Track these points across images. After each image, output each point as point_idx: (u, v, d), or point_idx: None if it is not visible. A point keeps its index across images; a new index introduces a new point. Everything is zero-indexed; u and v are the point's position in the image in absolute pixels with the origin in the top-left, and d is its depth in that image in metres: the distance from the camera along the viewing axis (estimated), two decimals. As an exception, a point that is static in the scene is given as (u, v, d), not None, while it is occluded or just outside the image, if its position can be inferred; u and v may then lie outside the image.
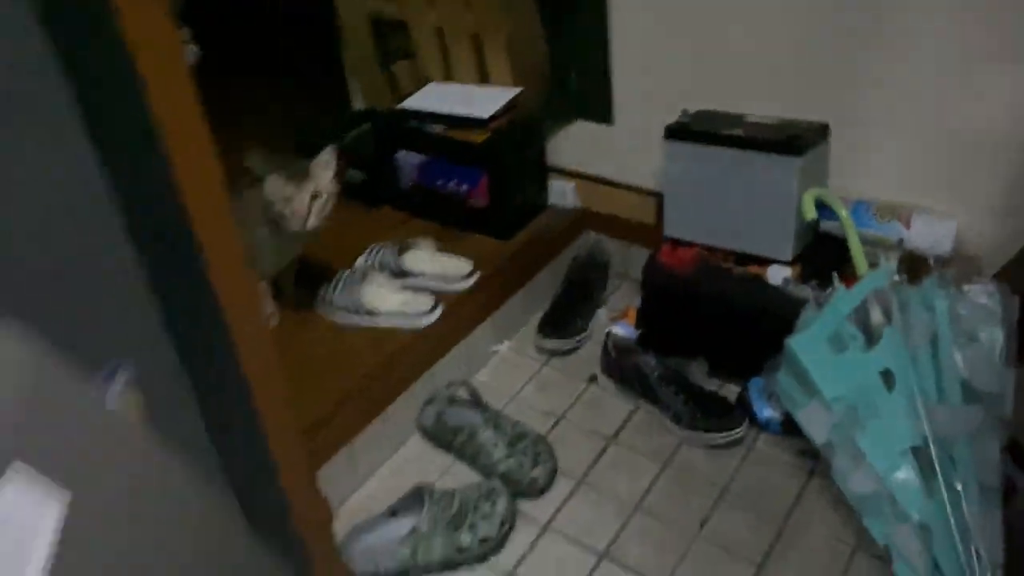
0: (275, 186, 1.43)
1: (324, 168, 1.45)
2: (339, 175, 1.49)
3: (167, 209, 0.75)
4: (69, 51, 0.67)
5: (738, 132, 1.48)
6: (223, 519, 0.59)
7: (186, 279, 0.80)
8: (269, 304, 1.59)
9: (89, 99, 0.68)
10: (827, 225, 1.50)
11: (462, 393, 1.56)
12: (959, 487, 1.19)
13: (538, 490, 1.43)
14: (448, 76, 1.87)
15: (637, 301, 1.70)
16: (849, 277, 1.39)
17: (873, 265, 1.40)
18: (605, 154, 1.84)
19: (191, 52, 2.81)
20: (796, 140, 1.43)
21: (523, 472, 1.43)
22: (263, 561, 0.61)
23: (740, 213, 1.52)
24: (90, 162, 0.69)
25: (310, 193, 1.44)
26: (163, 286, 0.78)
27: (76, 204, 0.69)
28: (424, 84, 1.88)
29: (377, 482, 1.49)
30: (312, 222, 1.45)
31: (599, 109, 1.78)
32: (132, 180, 0.73)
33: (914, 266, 1.40)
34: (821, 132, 1.48)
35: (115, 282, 0.74)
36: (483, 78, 1.82)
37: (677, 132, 1.54)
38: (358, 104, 2.16)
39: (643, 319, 1.68)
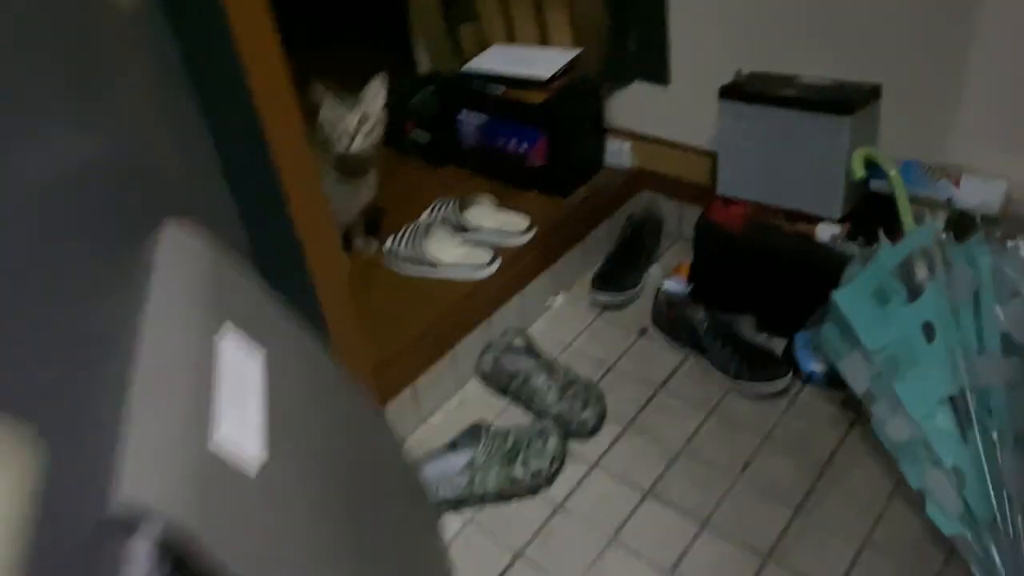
0: (328, 109, 1.53)
1: (374, 94, 1.55)
2: (387, 104, 1.58)
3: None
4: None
5: (791, 92, 1.52)
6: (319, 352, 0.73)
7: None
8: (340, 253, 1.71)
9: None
10: (877, 185, 1.53)
11: (518, 341, 1.66)
12: (994, 436, 1.23)
13: (587, 431, 1.52)
14: (510, 38, 1.93)
15: (689, 258, 1.76)
16: (896, 235, 1.43)
17: (920, 223, 1.43)
18: (661, 114, 1.89)
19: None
20: (847, 100, 1.46)
21: (574, 414, 1.52)
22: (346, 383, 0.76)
23: (791, 171, 1.56)
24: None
25: (358, 116, 1.54)
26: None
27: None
28: (487, 47, 1.96)
29: (438, 419, 1.60)
30: (357, 143, 1.54)
31: (657, 70, 1.82)
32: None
33: (961, 225, 1.42)
34: (873, 92, 1.50)
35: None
36: (544, 40, 1.88)
37: (731, 92, 1.58)
38: (424, 67, 2.25)
39: (694, 274, 1.74)
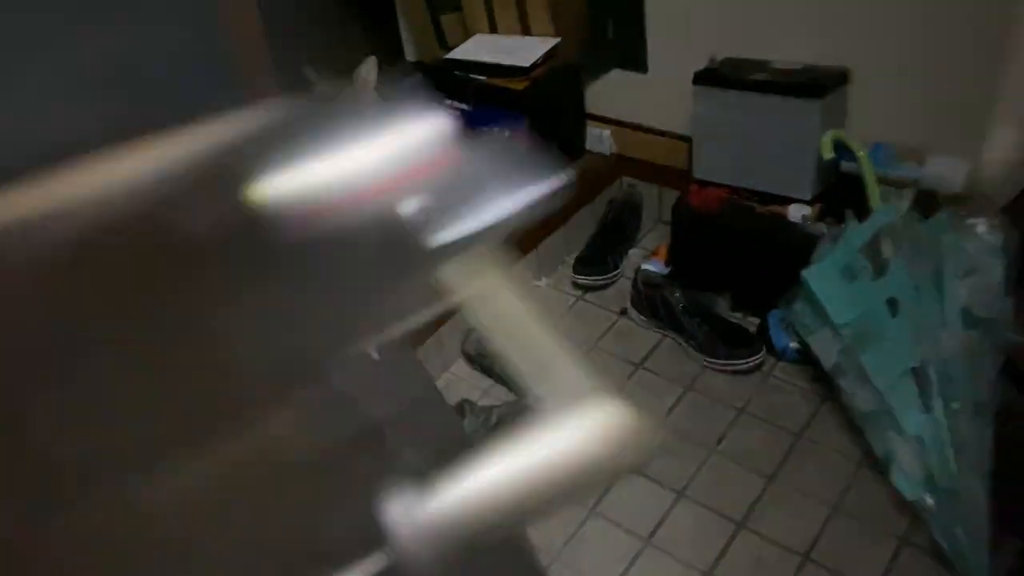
0: (323, 88, 1.57)
1: (366, 75, 1.58)
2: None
3: None
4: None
5: (763, 77, 1.57)
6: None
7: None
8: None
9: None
10: (847, 166, 1.58)
11: (502, 322, 1.70)
12: (955, 405, 1.29)
13: (569, 408, 1.57)
14: (492, 28, 1.97)
15: (668, 241, 1.81)
16: (865, 214, 1.48)
17: (887, 203, 1.49)
18: (640, 101, 1.93)
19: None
20: (817, 84, 1.51)
21: (556, 392, 1.57)
22: None
23: (764, 154, 1.61)
24: None
25: (362, 84, 1.57)
26: None
27: None
28: (470, 35, 1.99)
29: (424, 400, 1.65)
30: None
31: (634, 58, 1.87)
32: None
33: (926, 204, 1.47)
34: (841, 76, 1.55)
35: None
36: (525, 30, 1.92)
37: (705, 78, 1.63)
38: (411, 55, 2.28)
39: (672, 256, 1.79)
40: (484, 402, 1.59)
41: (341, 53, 2.52)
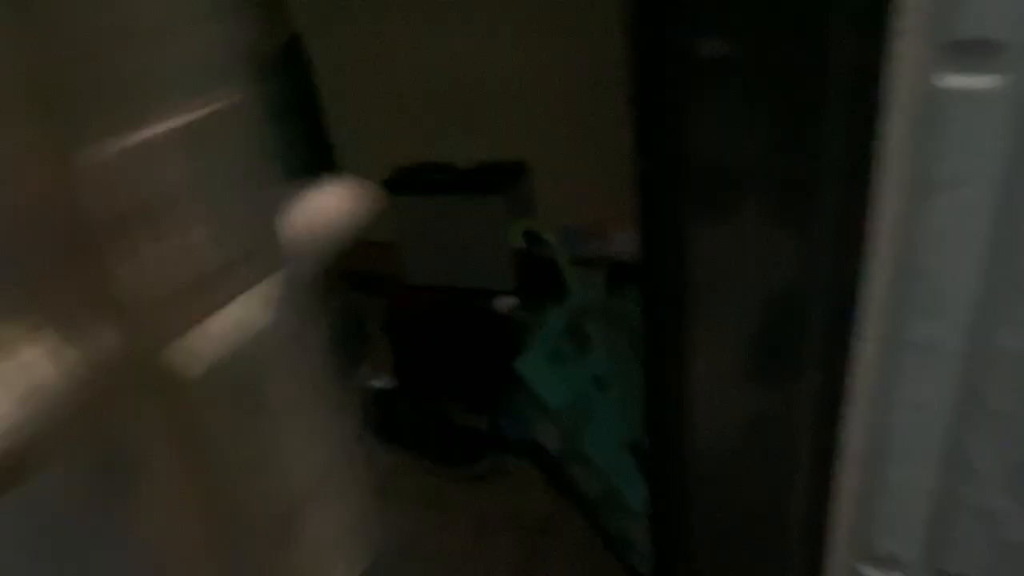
0: None
1: None
2: None
3: None
4: None
5: (447, 179, 1.57)
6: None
7: None
8: None
9: None
10: (542, 252, 1.61)
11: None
12: (673, 470, 1.29)
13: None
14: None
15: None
16: (563, 297, 1.50)
17: (583, 282, 1.52)
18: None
19: None
20: (496, 178, 1.54)
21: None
22: None
23: (462, 252, 1.60)
24: None
25: None
26: None
27: None
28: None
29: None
30: None
31: (321, 169, 1.82)
32: None
33: (618, 276, 1.53)
34: (520, 169, 1.60)
35: None
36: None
37: (394, 185, 1.61)
38: None
39: (396, 367, 1.71)
40: None
41: None
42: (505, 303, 1.56)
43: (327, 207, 0.53)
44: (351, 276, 1.92)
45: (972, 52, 0.51)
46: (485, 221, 1.55)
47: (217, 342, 0.40)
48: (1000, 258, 0.56)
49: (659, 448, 0.81)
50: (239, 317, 0.41)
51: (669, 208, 0.68)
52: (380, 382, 1.73)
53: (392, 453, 1.62)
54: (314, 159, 1.81)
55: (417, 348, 1.65)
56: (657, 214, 0.70)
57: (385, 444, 1.63)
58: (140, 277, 0.36)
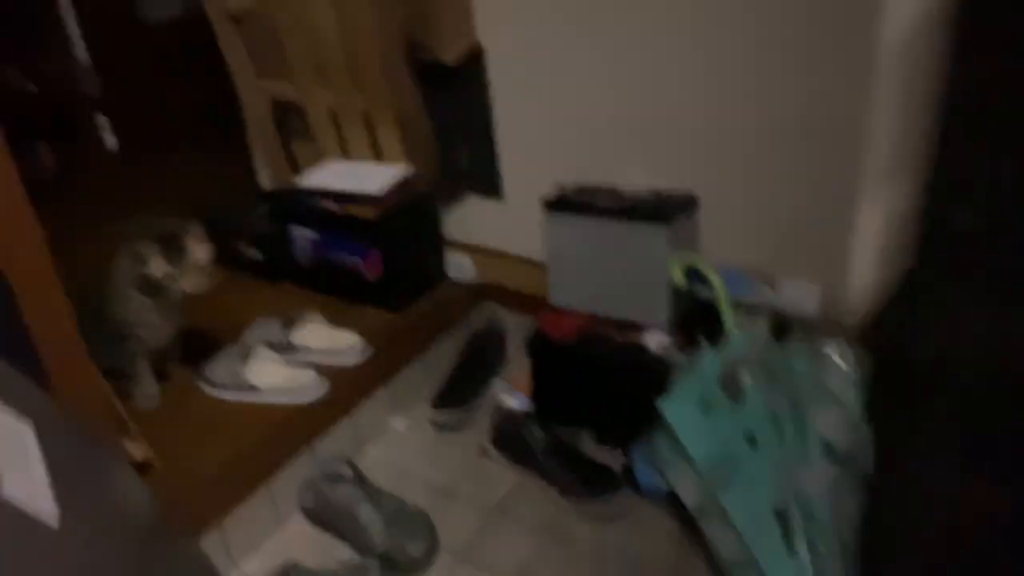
0: (155, 265, 1.43)
1: (195, 243, 1.46)
2: (213, 236, 1.52)
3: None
4: None
5: (611, 203, 1.52)
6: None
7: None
8: (151, 384, 1.57)
9: None
10: (703, 292, 1.53)
11: (345, 470, 1.53)
12: (822, 548, 1.19)
13: (416, 568, 1.39)
14: (345, 155, 1.90)
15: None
16: (720, 340, 1.41)
17: (742, 328, 1.43)
18: (498, 228, 1.87)
19: (111, 142, 2.85)
20: (664, 209, 1.47)
21: (402, 551, 1.40)
22: None
23: (618, 282, 1.54)
24: None
25: (192, 268, 1.45)
26: None
27: None
28: (321, 162, 1.92)
29: (253, 565, 1.44)
30: (190, 289, 1.48)
31: (488, 184, 1.82)
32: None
33: (782, 328, 1.42)
34: (690, 202, 1.53)
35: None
36: (378, 157, 1.85)
37: (554, 204, 1.58)
38: (265, 183, 2.19)
39: (533, 389, 1.68)
40: (323, 563, 1.40)
41: (196, 175, 2.42)
42: (657, 339, 1.49)
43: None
44: (500, 290, 1.92)
45: None
46: (645, 251, 1.49)
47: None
48: None
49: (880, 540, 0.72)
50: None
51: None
52: (514, 401, 1.70)
53: (518, 474, 1.58)
54: (480, 170, 1.81)
55: (558, 372, 1.61)
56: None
57: (512, 463, 1.60)
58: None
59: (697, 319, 1.52)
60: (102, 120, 2.80)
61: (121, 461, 0.97)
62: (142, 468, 1.36)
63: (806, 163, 1.44)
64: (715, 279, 1.47)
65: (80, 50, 2.72)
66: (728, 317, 1.45)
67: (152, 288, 1.45)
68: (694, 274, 1.50)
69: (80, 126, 2.63)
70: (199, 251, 1.46)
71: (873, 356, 1.31)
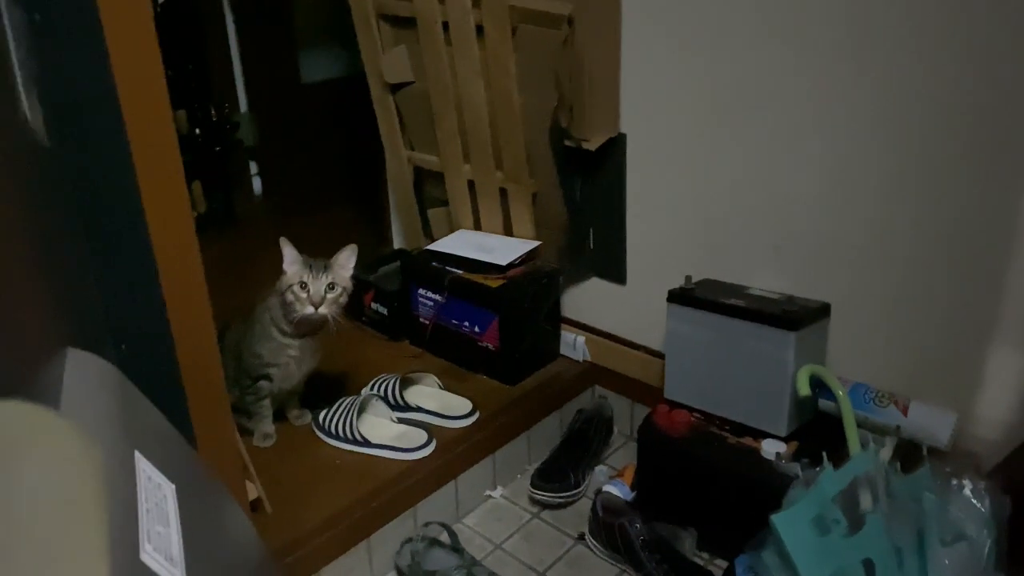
0: (294, 272, 1.50)
1: (345, 261, 1.52)
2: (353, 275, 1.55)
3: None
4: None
5: (738, 302, 1.51)
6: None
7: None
8: (270, 424, 1.64)
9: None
10: (825, 404, 1.48)
11: (442, 535, 1.54)
12: None
13: (502, 647, 1.38)
14: (477, 225, 1.97)
15: (636, 463, 1.68)
16: (842, 459, 1.36)
17: (866, 449, 1.37)
18: (617, 312, 1.88)
19: (258, 188, 3.04)
20: (794, 315, 1.45)
21: (490, 626, 1.38)
22: None
23: (737, 383, 1.52)
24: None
25: (327, 282, 1.50)
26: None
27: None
28: (454, 230, 1.99)
29: (343, 617, 1.46)
30: (324, 310, 1.49)
31: (613, 269, 1.84)
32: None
33: (908, 455, 1.36)
34: (821, 310, 1.49)
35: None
36: (508, 230, 1.91)
37: (679, 297, 1.58)
38: (398, 243, 2.28)
39: (638, 480, 1.65)
40: (408, 628, 1.40)
41: (330, 230, 2.54)
42: (774, 447, 1.45)
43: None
44: (611, 374, 1.91)
45: None
46: (770, 356, 1.46)
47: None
48: None
49: None
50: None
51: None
52: (617, 489, 1.67)
53: (613, 565, 1.55)
54: (606, 254, 1.83)
55: (666, 467, 1.58)
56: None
57: (608, 553, 1.57)
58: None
59: (818, 433, 1.47)
60: (253, 167, 3.01)
61: (237, 501, 1.00)
62: (253, 507, 1.41)
63: (950, 285, 1.39)
64: (841, 394, 1.43)
65: (242, 103, 2.94)
66: (852, 435, 1.40)
67: (301, 323, 1.51)
68: (819, 385, 1.46)
69: (232, 171, 2.82)
70: (340, 272, 1.51)
71: (1010, 498, 1.23)
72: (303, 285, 1.48)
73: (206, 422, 1.09)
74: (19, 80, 0.66)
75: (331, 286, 1.49)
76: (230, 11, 2.85)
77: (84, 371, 0.58)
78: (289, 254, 1.50)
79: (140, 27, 0.92)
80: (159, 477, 0.55)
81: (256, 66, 2.91)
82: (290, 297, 1.48)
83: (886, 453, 1.36)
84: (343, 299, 1.52)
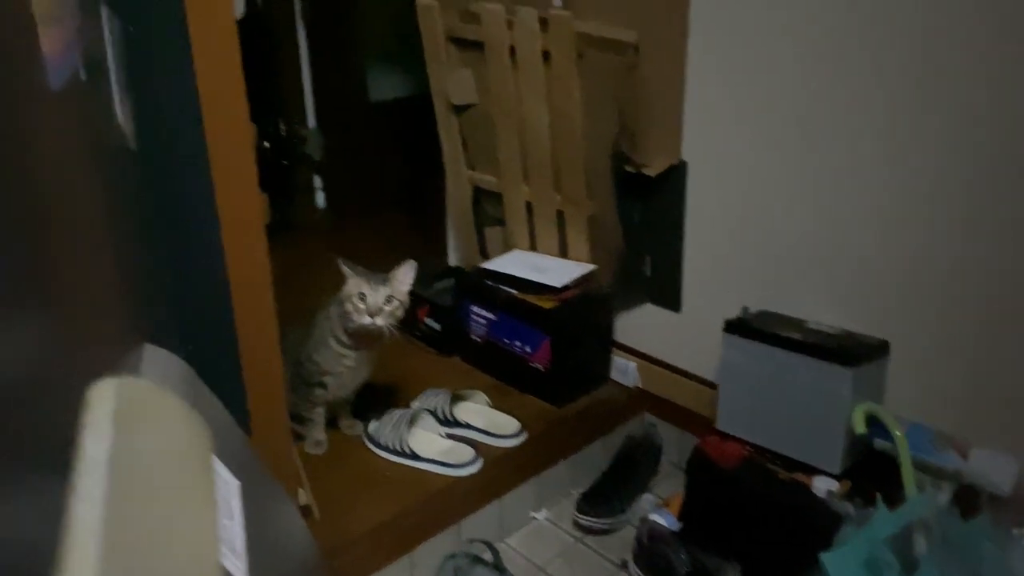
0: (354, 282, 1.53)
1: (403, 276, 1.54)
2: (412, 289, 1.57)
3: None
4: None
5: (795, 335, 1.49)
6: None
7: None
8: (323, 431, 1.67)
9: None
10: (881, 444, 1.45)
11: (486, 554, 1.55)
12: None
13: (540, 669, 1.37)
14: (532, 245, 1.98)
15: (683, 493, 1.66)
16: (897, 501, 1.33)
17: (923, 492, 1.34)
18: (670, 339, 1.87)
19: (321, 201, 3.11)
20: (852, 351, 1.43)
21: (529, 647, 1.38)
22: None
23: (791, 417, 1.49)
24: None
25: (387, 294, 1.52)
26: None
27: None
28: (510, 249, 2.01)
29: (382, 628, 1.47)
30: (380, 321, 1.51)
31: (668, 296, 1.83)
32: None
33: (967, 501, 1.32)
34: (880, 348, 1.47)
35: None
36: (563, 252, 1.92)
37: (735, 327, 1.57)
38: (453, 261, 2.31)
39: (685, 511, 1.63)
40: (447, 643, 1.41)
41: (387, 243, 2.58)
42: (826, 485, 1.42)
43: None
44: (661, 401, 1.90)
45: None
46: (826, 391, 1.43)
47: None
48: None
49: None
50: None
51: None
52: (662, 518, 1.65)
53: (655, 597, 1.53)
54: (661, 280, 1.83)
55: (715, 498, 1.56)
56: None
57: (650, 584, 1.55)
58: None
59: (873, 473, 1.44)
60: (317, 181, 3.08)
61: (293, 505, 1.02)
62: (303, 513, 1.43)
63: (1016, 327, 1.35)
64: (899, 434, 1.40)
65: (311, 118, 3.02)
66: (909, 477, 1.36)
67: (359, 334, 1.54)
68: (875, 424, 1.43)
69: (298, 184, 2.90)
70: (398, 286, 1.54)
71: (1076, 552, 1.18)
72: (362, 296, 1.51)
73: (265, 424, 1.12)
74: (114, 85, 0.70)
75: (389, 299, 1.52)
76: (303, 29, 2.94)
77: (161, 366, 0.61)
78: (348, 271, 1.53)
79: (225, 42, 0.97)
80: (226, 473, 0.57)
81: (326, 84, 2.99)
82: (348, 307, 1.51)
83: (943, 498, 1.32)
84: (399, 312, 1.54)
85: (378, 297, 1.51)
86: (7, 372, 0.38)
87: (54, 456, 0.40)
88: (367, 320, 1.50)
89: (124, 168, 0.73)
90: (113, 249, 0.62)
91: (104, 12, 0.70)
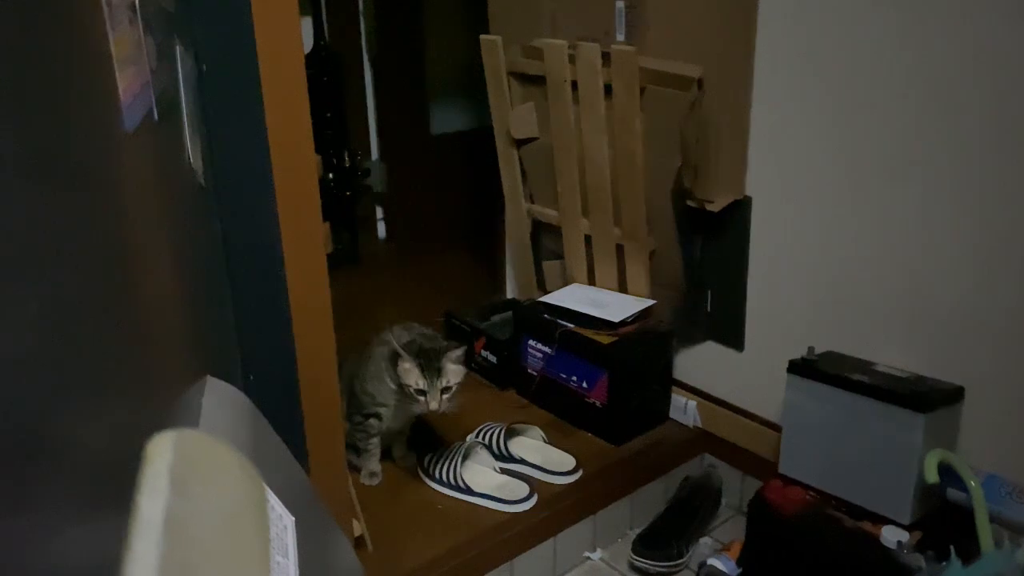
0: (409, 371, 1.51)
1: (455, 364, 1.53)
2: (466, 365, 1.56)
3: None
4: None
5: (863, 378, 1.44)
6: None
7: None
8: (377, 463, 1.67)
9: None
10: (954, 494, 1.38)
11: (538, 592, 1.52)
12: None
13: None
14: (591, 280, 1.97)
15: (743, 538, 1.61)
16: (972, 556, 1.26)
17: (1000, 547, 1.26)
18: (731, 379, 1.83)
19: (382, 231, 3.15)
20: (924, 396, 1.37)
21: None
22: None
23: (859, 463, 1.44)
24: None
25: (442, 387, 1.51)
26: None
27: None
28: (568, 283, 1.99)
29: (433, 665, 1.45)
30: (442, 409, 1.51)
31: (730, 334, 1.79)
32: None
33: (1051, 559, 1.24)
34: (954, 394, 1.41)
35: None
36: (622, 287, 1.90)
37: (801, 368, 1.52)
38: (511, 293, 2.31)
39: (745, 557, 1.58)
40: None
41: (448, 272, 2.60)
42: (895, 535, 1.36)
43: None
44: (722, 442, 1.85)
45: None
46: (897, 438, 1.38)
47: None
48: None
49: None
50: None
51: None
52: (722, 564, 1.60)
53: (713, 646, 1.48)
54: (723, 318, 1.79)
55: (777, 546, 1.50)
56: None
57: (708, 632, 1.50)
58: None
59: (946, 525, 1.37)
60: (379, 212, 3.13)
61: (345, 537, 1.03)
62: (356, 544, 1.43)
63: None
64: (974, 484, 1.33)
65: (374, 151, 3.08)
66: (985, 531, 1.29)
67: (409, 400, 1.54)
68: (949, 473, 1.37)
69: (360, 215, 2.95)
70: (453, 375, 1.53)
71: None
72: (420, 392, 1.51)
73: (321, 456, 1.12)
74: (186, 124, 0.72)
75: (447, 389, 1.51)
76: (368, 63, 3.01)
77: (221, 399, 0.61)
78: (400, 351, 1.51)
79: (293, 77, 0.99)
80: (281, 508, 0.57)
81: (389, 117, 3.04)
82: (408, 391, 1.51)
83: (1022, 555, 1.25)
84: (457, 395, 1.54)
85: (436, 392, 1.49)
86: (76, 407, 0.39)
87: (112, 500, 0.40)
88: (433, 408, 1.51)
89: (193, 205, 0.75)
90: (181, 284, 0.64)
91: (178, 51, 0.72)
